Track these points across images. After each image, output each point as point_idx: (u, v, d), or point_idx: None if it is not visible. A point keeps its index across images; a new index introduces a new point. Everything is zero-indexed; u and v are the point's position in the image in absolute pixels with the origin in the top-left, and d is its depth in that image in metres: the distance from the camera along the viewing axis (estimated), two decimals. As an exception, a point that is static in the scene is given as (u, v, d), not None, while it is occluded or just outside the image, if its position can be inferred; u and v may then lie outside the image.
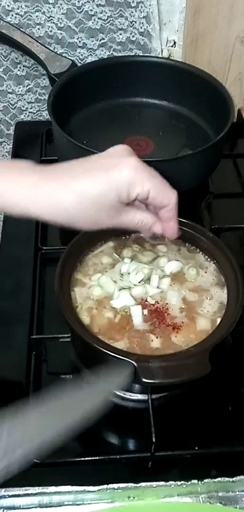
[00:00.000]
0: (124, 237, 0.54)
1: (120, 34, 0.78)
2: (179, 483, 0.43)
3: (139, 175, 0.41)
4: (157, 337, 0.45)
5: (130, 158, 0.42)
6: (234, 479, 0.44)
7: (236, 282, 0.48)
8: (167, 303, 0.48)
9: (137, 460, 0.45)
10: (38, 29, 0.77)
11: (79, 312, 0.47)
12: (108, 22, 0.76)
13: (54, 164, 0.44)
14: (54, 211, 0.41)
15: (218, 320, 0.46)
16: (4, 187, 0.41)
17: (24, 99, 0.83)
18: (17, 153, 0.76)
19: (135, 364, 0.40)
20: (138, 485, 0.43)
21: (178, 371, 0.40)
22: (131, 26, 0.77)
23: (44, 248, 0.61)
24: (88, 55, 0.79)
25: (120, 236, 0.54)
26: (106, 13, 0.76)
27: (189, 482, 0.44)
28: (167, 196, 0.43)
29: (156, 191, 0.42)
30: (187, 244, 0.54)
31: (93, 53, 0.79)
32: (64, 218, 0.42)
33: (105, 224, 0.43)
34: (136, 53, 0.79)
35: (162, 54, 0.80)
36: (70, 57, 0.77)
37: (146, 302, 0.48)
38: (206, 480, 0.44)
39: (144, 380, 0.39)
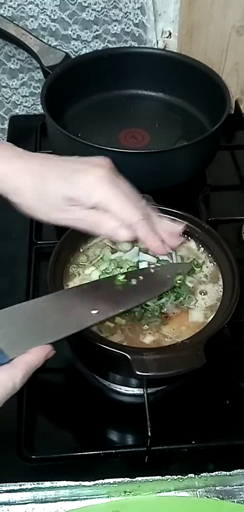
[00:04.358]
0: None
1: (115, 25, 0.77)
2: (175, 477, 0.43)
3: (102, 186, 0.42)
4: (149, 329, 0.45)
5: (102, 169, 0.42)
6: (231, 473, 0.43)
7: (232, 274, 0.47)
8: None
9: (133, 455, 0.45)
10: (32, 21, 0.76)
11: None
12: (102, 14, 0.76)
13: (36, 152, 0.46)
14: (14, 189, 0.43)
15: (213, 313, 0.45)
16: None
17: (19, 93, 0.83)
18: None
19: (129, 356, 0.39)
20: (134, 479, 0.43)
21: (172, 363, 0.40)
22: (126, 17, 0.76)
23: (38, 242, 0.60)
24: (82, 47, 0.79)
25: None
26: (100, 4, 0.75)
27: (186, 476, 0.43)
28: (128, 214, 0.42)
29: (118, 207, 0.42)
30: (182, 235, 0.53)
31: (88, 45, 0.78)
32: (20, 199, 0.43)
33: (55, 219, 0.44)
34: (130, 44, 0.79)
35: (157, 45, 0.79)
36: (64, 50, 0.76)
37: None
38: (203, 474, 0.43)
39: (137, 372, 0.39)
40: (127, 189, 0.43)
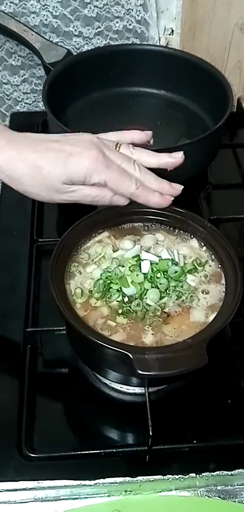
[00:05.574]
0: (119, 227, 0.53)
1: (117, 22, 0.77)
2: (176, 477, 0.43)
3: (98, 166, 0.46)
4: (150, 328, 0.45)
5: (93, 150, 0.46)
6: (232, 472, 0.43)
7: (234, 272, 0.47)
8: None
9: (134, 454, 0.45)
10: (33, 17, 0.75)
11: (74, 305, 0.46)
12: (104, 10, 0.75)
13: (27, 133, 0.49)
14: (10, 177, 0.46)
15: (214, 312, 0.45)
16: None
17: (20, 90, 0.82)
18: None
19: (131, 355, 0.39)
20: (135, 479, 0.43)
21: (174, 362, 0.39)
22: (128, 14, 0.76)
23: (40, 240, 0.60)
24: (84, 44, 0.78)
25: (115, 226, 0.53)
26: (102, 1, 0.74)
27: (187, 476, 0.43)
28: (123, 187, 0.48)
29: (113, 182, 0.47)
30: (184, 234, 0.53)
31: (90, 42, 0.78)
32: (18, 186, 0.47)
33: (58, 199, 0.48)
34: (133, 41, 0.78)
35: (159, 42, 0.79)
36: (66, 46, 0.75)
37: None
38: (204, 474, 0.43)
39: (139, 372, 0.38)
40: (118, 165, 0.47)
